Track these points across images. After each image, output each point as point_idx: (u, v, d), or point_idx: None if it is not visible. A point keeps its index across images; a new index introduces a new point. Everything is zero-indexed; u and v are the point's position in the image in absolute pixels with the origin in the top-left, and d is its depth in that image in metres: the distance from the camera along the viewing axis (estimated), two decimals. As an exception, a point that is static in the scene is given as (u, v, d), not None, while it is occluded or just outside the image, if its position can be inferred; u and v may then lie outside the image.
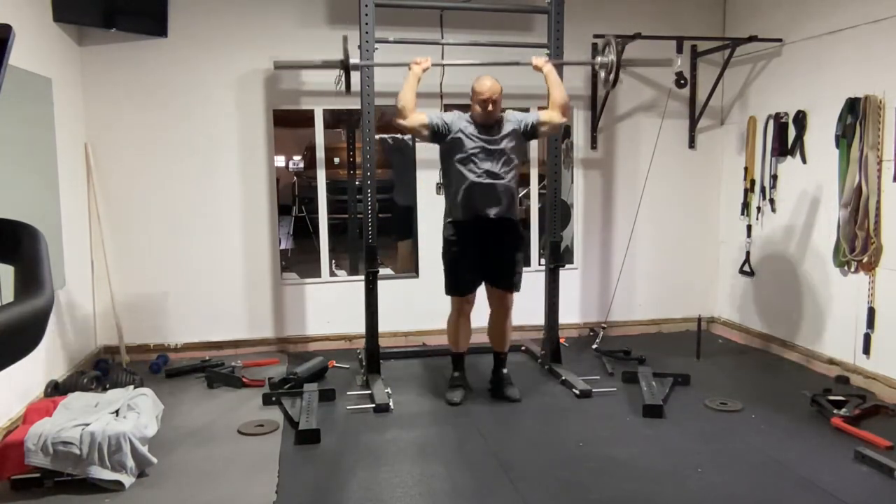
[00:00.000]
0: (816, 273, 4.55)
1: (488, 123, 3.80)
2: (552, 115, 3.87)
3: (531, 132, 3.90)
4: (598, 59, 4.31)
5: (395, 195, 6.28)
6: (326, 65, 4.04)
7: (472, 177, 3.76)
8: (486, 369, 4.36)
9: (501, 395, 4.03)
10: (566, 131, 5.34)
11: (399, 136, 5.93)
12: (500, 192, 3.79)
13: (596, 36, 5.03)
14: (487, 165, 3.77)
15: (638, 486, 2.99)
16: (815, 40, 4.55)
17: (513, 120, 3.87)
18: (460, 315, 4.01)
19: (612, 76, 4.17)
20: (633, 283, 5.52)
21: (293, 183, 11.27)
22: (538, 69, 3.96)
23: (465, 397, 3.95)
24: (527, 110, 4.29)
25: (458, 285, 3.96)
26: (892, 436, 3.36)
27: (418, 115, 3.81)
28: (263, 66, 4.86)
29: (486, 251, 3.88)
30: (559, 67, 4.14)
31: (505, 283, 3.97)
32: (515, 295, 4.05)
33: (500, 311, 4.05)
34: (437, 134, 3.82)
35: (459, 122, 3.82)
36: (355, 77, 4.03)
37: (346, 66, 3.78)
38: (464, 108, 3.95)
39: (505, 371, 4.10)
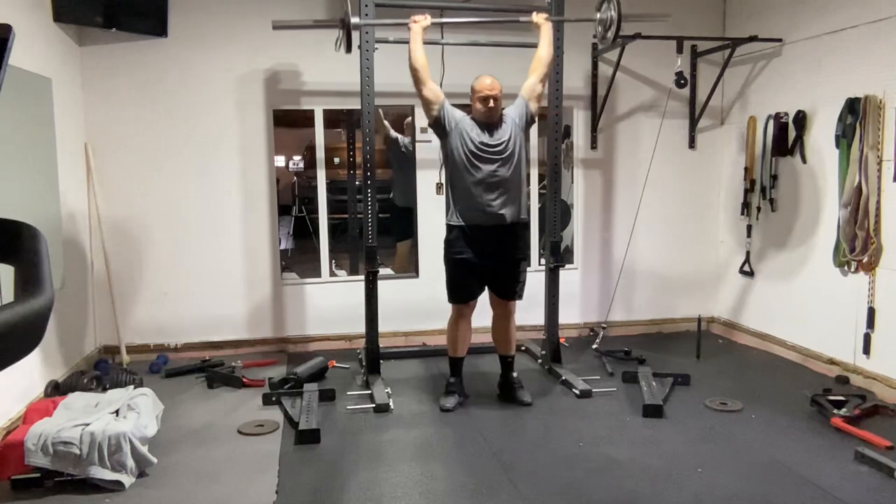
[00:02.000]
0: (816, 273, 4.55)
1: (490, 122, 3.78)
2: (538, 73, 3.90)
3: (530, 119, 3.91)
4: (598, 15, 4.18)
5: (394, 196, 6.28)
6: (324, 24, 4.15)
7: (474, 178, 3.74)
8: (487, 370, 4.36)
9: (513, 398, 3.98)
10: (566, 131, 5.34)
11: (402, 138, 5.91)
12: (503, 193, 3.76)
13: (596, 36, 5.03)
14: (491, 168, 3.74)
15: (638, 486, 2.99)
16: (815, 40, 4.55)
17: (511, 117, 3.85)
18: (460, 318, 3.97)
19: (609, 33, 4.05)
20: (633, 283, 5.52)
21: (293, 183, 11.26)
22: (537, 26, 3.98)
23: (459, 403, 3.92)
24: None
25: (459, 294, 3.93)
26: (892, 436, 3.36)
27: (435, 88, 3.83)
28: (263, 66, 4.87)
29: (488, 257, 3.83)
30: (557, 26, 4.18)
31: (508, 293, 3.95)
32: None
33: (503, 317, 4.04)
34: (439, 122, 3.82)
35: (463, 123, 3.80)
36: (356, 50, 4.04)
37: (346, 25, 3.80)
38: (465, 107, 3.93)
39: (514, 375, 4.07)
